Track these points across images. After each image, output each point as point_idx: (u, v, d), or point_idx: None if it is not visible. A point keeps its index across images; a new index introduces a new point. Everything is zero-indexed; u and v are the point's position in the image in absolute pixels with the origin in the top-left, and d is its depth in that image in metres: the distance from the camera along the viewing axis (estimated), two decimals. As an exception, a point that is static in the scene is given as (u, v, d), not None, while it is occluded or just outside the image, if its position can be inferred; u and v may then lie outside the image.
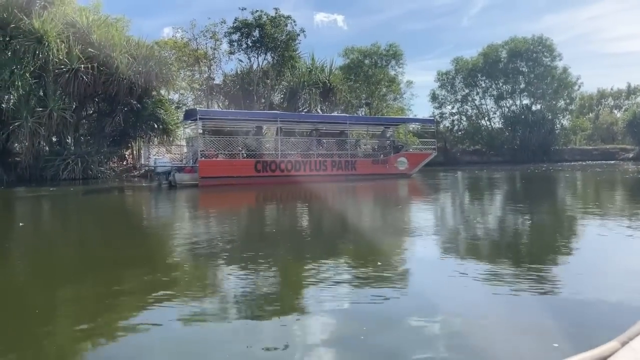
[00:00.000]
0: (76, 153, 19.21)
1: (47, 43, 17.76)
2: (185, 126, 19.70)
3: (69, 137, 20.34)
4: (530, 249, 4.87)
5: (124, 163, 23.36)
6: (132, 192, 14.75)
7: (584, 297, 3.03)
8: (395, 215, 8.16)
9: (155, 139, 23.63)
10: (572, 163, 33.22)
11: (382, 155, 18.55)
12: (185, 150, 19.01)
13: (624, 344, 1.14)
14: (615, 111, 52.08)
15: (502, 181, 16.81)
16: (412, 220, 7.52)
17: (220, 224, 7.18)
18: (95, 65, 18.55)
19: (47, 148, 19.60)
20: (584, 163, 33.16)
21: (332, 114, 24.59)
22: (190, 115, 17.40)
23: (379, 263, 4.04)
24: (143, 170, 22.27)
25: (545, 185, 14.91)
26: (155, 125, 22.20)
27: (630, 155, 37.98)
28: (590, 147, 44.18)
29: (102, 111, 21.84)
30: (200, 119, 15.93)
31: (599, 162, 34.40)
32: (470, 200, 10.83)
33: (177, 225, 7.21)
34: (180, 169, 15.54)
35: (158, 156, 17.56)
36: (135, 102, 20.56)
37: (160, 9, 65.16)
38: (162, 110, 22.17)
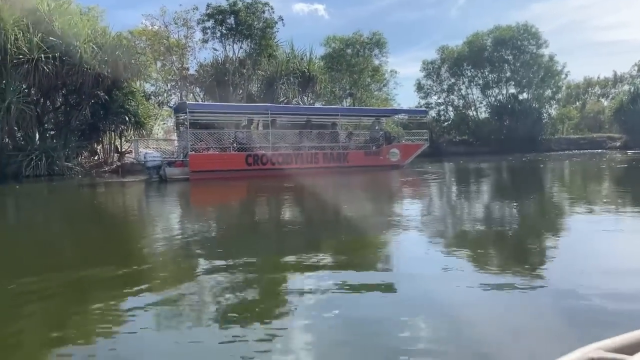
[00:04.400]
0: (41, 148, 18.24)
1: (3, 32, 16.69)
2: (179, 120, 19.26)
3: (34, 132, 19.34)
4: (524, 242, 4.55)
5: (96, 158, 22.37)
6: (119, 189, 14.00)
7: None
8: (388, 206, 8.10)
9: (130, 132, 22.71)
10: (560, 153, 32.77)
11: (374, 147, 18.34)
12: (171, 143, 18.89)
13: None
14: (602, 100, 51.78)
15: (483, 173, 16.52)
16: (405, 211, 7.34)
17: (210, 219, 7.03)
18: (57, 55, 17.53)
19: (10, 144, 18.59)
20: (570, 152, 32.75)
21: (325, 106, 24.38)
22: (180, 109, 17.42)
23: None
24: (114, 166, 21.43)
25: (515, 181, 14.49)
26: (127, 118, 21.24)
27: (618, 144, 37.62)
28: (578, 136, 43.76)
29: (70, 104, 20.82)
30: (189, 112, 15.81)
31: (587, 151, 34.02)
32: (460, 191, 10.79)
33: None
34: (170, 163, 15.45)
35: (149, 150, 17.24)
36: (103, 93, 19.55)
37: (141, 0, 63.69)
38: (133, 102, 21.19)
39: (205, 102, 22.57)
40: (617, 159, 20.88)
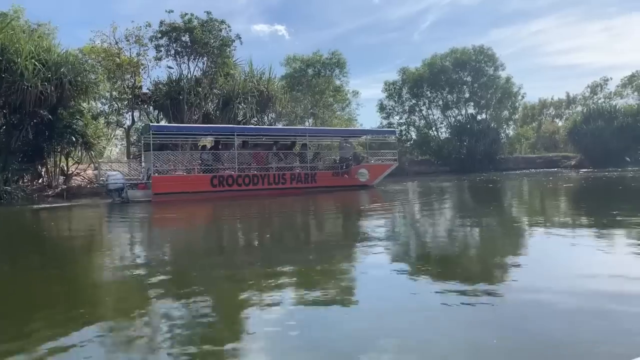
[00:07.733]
0: (-24, 171, 16.91)
1: None
2: (144, 141, 18.62)
3: (-31, 154, 17.97)
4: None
5: (39, 181, 20.99)
6: (55, 215, 12.91)
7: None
8: (353, 224, 8.32)
9: (78, 153, 21.54)
10: (517, 172, 33.37)
11: (343, 167, 18.24)
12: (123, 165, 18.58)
13: None
14: (557, 120, 53.62)
15: (437, 191, 16.47)
16: (368, 230, 7.38)
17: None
18: (-5, 72, 16.43)
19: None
20: (527, 171, 33.40)
21: (291, 127, 24.32)
22: (145, 130, 17.29)
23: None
24: (59, 189, 20.15)
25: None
26: (74, 139, 20.08)
27: (573, 162, 38.72)
28: (534, 156, 44.94)
29: (11, 124, 19.52)
30: (153, 134, 15.67)
31: (543, 170, 34.80)
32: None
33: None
34: (133, 186, 15.34)
35: (111, 172, 16.72)
36: (46, 113, 18.42)
37: (106, 19, 62.29)
38: (81, 122, 20.09)
39: (170, 124, 21.92)
40: (566, 178, 21.42)
